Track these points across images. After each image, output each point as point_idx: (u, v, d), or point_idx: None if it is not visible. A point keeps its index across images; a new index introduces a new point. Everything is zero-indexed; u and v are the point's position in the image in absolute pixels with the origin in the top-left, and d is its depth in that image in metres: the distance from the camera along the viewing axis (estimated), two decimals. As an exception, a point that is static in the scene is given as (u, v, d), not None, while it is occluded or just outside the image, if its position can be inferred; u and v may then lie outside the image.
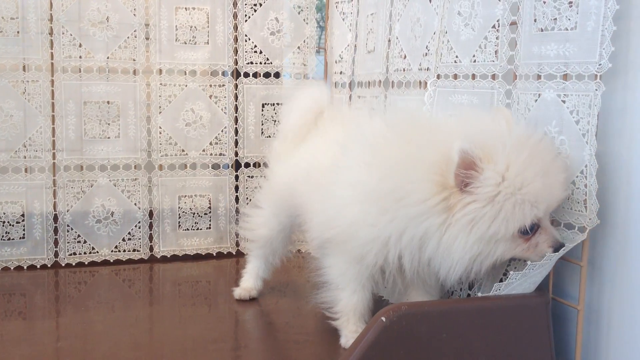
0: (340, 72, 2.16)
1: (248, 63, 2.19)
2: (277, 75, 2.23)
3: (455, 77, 1.51)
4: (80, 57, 2.03)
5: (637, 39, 1.19)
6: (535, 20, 1.27)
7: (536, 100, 1.28)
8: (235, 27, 2.17)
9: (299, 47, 2.24)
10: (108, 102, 2.06)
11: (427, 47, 1.63)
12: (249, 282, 1.74)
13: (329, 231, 1.35)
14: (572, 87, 1.21)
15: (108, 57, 2.05)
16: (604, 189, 1.25)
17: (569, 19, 1.21)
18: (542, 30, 1.26)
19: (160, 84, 2.11)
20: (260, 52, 2.20)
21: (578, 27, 1.19)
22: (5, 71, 1.97)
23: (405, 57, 1.75)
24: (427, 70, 1.62)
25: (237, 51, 2.17)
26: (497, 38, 1.40)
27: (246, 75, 2.19)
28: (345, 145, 1.37)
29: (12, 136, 1.98)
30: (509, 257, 1.19)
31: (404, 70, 1.75)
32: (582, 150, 1.19)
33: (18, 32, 1.97)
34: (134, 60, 2.08)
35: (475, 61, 1.45)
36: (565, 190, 1.18)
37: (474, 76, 1.46)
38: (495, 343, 1.16)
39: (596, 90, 1.17)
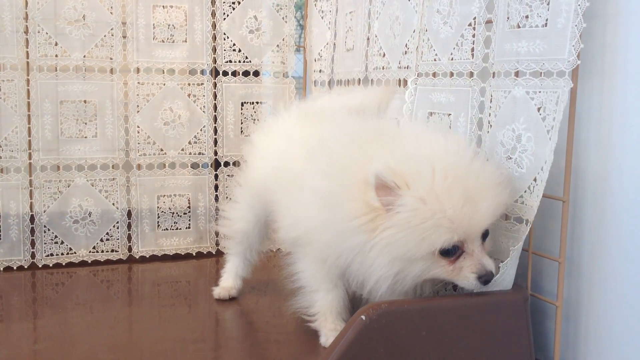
0: (320, 71, 2.15)
1: (227, 61, 2.18)
2: (256, 73, 2.22)
3: (435, 75, 1.52)
4: (56, 55, 2.01)
5: (612, 38, 1.20)
6: (508, 18, 1.28)
7: (505, 98, 1.28)
8: (214, 26, 2.15)
9: (278, 46, 2.23)
10: (85, 102, 2.04)
11: (406, 46, 1.63)
12: (228, 282, 1.73)
13: (295, 232, 1.38)
14: (540, 84, 1.22)
15: (85, 56, 2.03)
16: (581, 187, 1.26)
17: (540, 16, 1.21)
18: (514, 27, 1.26)
19: (138, 82, 2.09)
20: (239, 51, 2.19)
21: (549, 24, 1.20)
22: (-21, 70, 1.94)
23: (384, 55, 1.75)
24: (407, 68, 1.62)
25: (215, 49, 2.16)
26: (473, 36, 1.40)
27: (225, 73, 2.18)
28: (313, 149, 1.39)
29: (-13, 136, 1.96)
30: (432, 276, 1.20)
31: (383, 68, 1.75)
32: (545, 146, 1.20)
33: (-8, 30, 1.94)
34: (111, 59, 2.06)
35: (452, 59, 1.45)
36: (491, 217, 1.19)
37: (451, 74, 1.46)
38: (475, 340, 1.17)
39: (564, 86, 1.18)
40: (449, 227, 1.14)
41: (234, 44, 2.18)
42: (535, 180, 1.21)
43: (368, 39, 1.84)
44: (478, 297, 1.19)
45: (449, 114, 1.47)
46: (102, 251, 2.08)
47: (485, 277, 1.18)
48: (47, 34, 1.99)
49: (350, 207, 1.20)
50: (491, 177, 1.20)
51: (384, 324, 1.14)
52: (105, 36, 2.05)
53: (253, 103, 2.21)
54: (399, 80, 1.68)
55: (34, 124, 1.99)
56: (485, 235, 1.22)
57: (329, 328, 1.39)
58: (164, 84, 2.12)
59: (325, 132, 1.43)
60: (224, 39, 2.17)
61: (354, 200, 1.19)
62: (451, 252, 1.17)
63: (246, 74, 2.21)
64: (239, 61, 2.19)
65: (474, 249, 1.19)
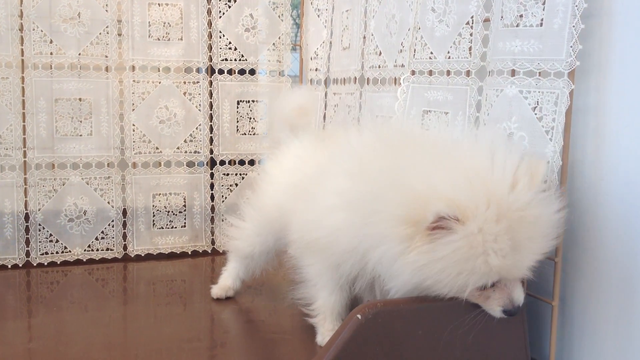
0: (316, 69, 2.15)
1: (223, 60, 2.17)
2: (252, 72, 2.21)
3: (431, 73, 1.52)
4: (51, 53, 2.00)
5: (609, 37, 1.20)
6: (502, 17, 1.28)
7: (497, 96, 1.28)
8: (210, 24, 2.15)
9: (274, 44, 2.22)
10: (80, 99, 2.03)
11: (402, 44, 1.63)
12: (227, 281, 1.72)
13: (311, 234, 1.32)
14: (535, 83, 1.22)
15: (80, 54, 2.02)
16: (577, 186, 1.26)
17: (535, 16, 1.21)
18: (508, 26, 1.26)
19: (133, 80, 2.08)
20: (235, 49, 2.18)
21: (544, 24, 1.20)
22: (-26, 68, 1.93)
23: (380, 53, 1.75)
24: (402, 66, 1.62)
25: (211, 48, 2.16)
26: (471, 34, 1.40)
27: (221, 72, 2.17)
28: (333, 154, 1.35)
29: (-18, 134, 1.95)
30: (457, 296, 1.14)
31: (379, 67, 1.75)
32: (545, 147, 1.19)
33: (-13, 28, 1.94)
34: (106, 56, 2.05)
35: (450, 57, 1.45)
36: (533, 263, 1.13)
37: (448, 72, 1.46)
38: (471, 339, 1.16)
39: (563, 87, 1.18)
40: (487, 273, 1.09)
41: (230, 42, 2.18)
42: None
43: (364, 37, 1.84)
44: (474, 296, 1.19)
45: (446, 113, 1.47)
46: (97, 250, 2.07)
47: (512, 311, 1.14)
48: (42, 31, 1.98)
49: (390, 213, 1.12)
50: (546, 226, 1.12)
51: (380, 323, 1.14)
52: (100, 34, 2.04)
53: (249, 101, 2.21)
54: (395, 78, 1.68)
55: (28, 121, 1.98)
56: None
57: (326, 328, 1.38)
58: (160, 82, 2.11)
59: (343, 142, 1.37)
60: (220, 37, 2.16)
61: (396, 206, 1.12)
62: (483, 288, 1.13)
63: (242, 72, 2.20)
64: (235, 59, 2.19)
65: (511, 282, 1.14)
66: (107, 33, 2.05)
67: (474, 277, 1.09)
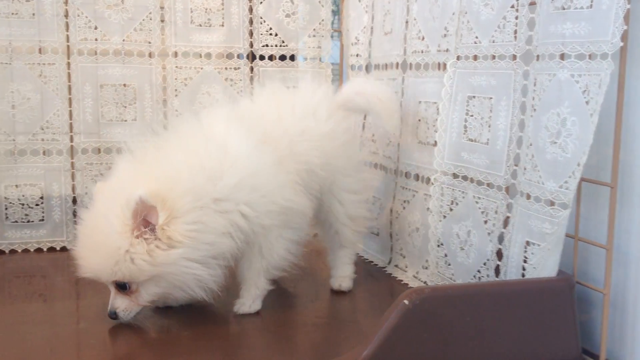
0: (357, 55, 2.14)
1: (263, 46, 2.18)
2: (292, 58, 2.21)
3: (475, 58, 1.50)
4: (96, 39, 2.02)
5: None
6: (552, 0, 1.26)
7: (550, 81, 1.26)
8: (250, 9, 2.15)
9: (314, 30, 2.22)
10: (124, 85, 2.05)
11: (445, 28, 1.62)
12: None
13: None
14: (585, 66, 1.19)
15: (124, 40, 2.04)
16: (628, 173, 1.24)
17: (586, -3, 1.19)
18: (559, 8, 1.24)
19: (176, 66, 2.10)
20: (276, 35, 2.18)
21: (594, 5, 1.18)
22: (22, 54, 1.96)
23: (423, 38, 1.73)
24: (446, 51, 1.61)
25: (252, 33, 2.16)
26: (516, 18, 1.38)
27: (262, 57, 2.18)
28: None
29: (30, 119, 1.98)
30: None
31: (422, 51, 1.74)
32: (588, 130, 1.17)
33: (33, 14, 1.96)
34: (150, 42, 2.07)
35: (494, 42, 1.43)
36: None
37: (493, 57, 1.44)
38: (520, 327, 1.16)
39: (606, 69, 1.16)
40: None
41: (271, 28, 2.18)
42: (578, 164, 1.19)
43: (407, 22, 1.82)
44: (524, 283, 1.18)
45: (490, 98, 1.45)
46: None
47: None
48: (86, 17, 2.01)
49: None
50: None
51: (427, 309, 1.14)
52: (143, 20, 2.06)
53: (289, 87, 2.20)
54: (438, 63, 1.67)
55: (75, 107, 2.01)
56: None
57: None
58: (202, 68, 2.12)
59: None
60: (261, 23, 2.17)
61: None
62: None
63: (282, 58, 2.20)
64: (276, 45, 2.19)
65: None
66: (150, 19, 2.06)
67: None
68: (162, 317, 1.47)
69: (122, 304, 1.38)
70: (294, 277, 1.77)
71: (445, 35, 1.62)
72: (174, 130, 1.47)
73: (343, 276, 1.68)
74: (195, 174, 1.33)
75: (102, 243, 1.31)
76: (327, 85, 1.76)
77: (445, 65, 1.60)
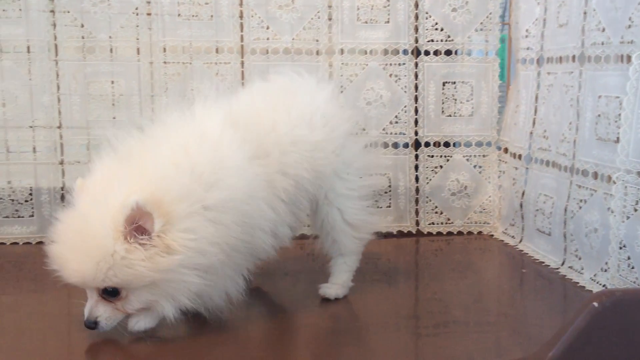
0: (527, 48, 2.07)
1: (428, 41, 2.16)
2: (457, 52, 2.18)
3: (665, 49, 1.40)
4: (267, 39, 2.11)
5: None
6: None
7: None
8: (416, 5, 2.14)
9: (481, 23, 2.17)
10: (295, 83, 2.12)
11: (630, 19, 1.52)
12: None
13: None
14: None
15: (293, 39, 2.11)
16: None
17: None
18: None
19: (342, 63, 2.14)
20: (441, 30, 2.16)
21: None
22: (200, 53, 2.09)
23: (603, 30, 1.64)
24: (631, 43, 1.52)
25: (417, 29, 2.15)
26: None
27: (426, 53, 2.16)
28: None
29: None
30: None
31: (602, 43, 1.65)
32: None
33: (212, 16, 2.08)
34: (317, 40, 2.12)
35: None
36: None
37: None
38: None
39: None
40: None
41: (436, 23, 2.16)
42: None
43: (585, 13, 1.73)
44: None
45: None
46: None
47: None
48: (259, 18, 2.10)
49: None
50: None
51: (617, 311, 1.08)
52: (312, 19, 2.11)
53: (455, 82, 2.18)
54: (621, 56, 1.57)
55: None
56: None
57: None
58: (367, 65, 2.14)
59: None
60: (426, 18, 2.15)
61: None
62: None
63: (448, 53, 2.17)
64: (441, 40, 2.16)
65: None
66: (318, 18, 2.12)
67: None
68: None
69: (104, 312, 1.26)
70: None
71: (629, 26, 1.53)
72: (162, 126, 1.38)
73: (332, 283, 1.57)
74: (188, 177, 1.25)
75: (93, 248, 1.20)
76: (330, 86, 1.65)
77: (629, 57, 1.51)
